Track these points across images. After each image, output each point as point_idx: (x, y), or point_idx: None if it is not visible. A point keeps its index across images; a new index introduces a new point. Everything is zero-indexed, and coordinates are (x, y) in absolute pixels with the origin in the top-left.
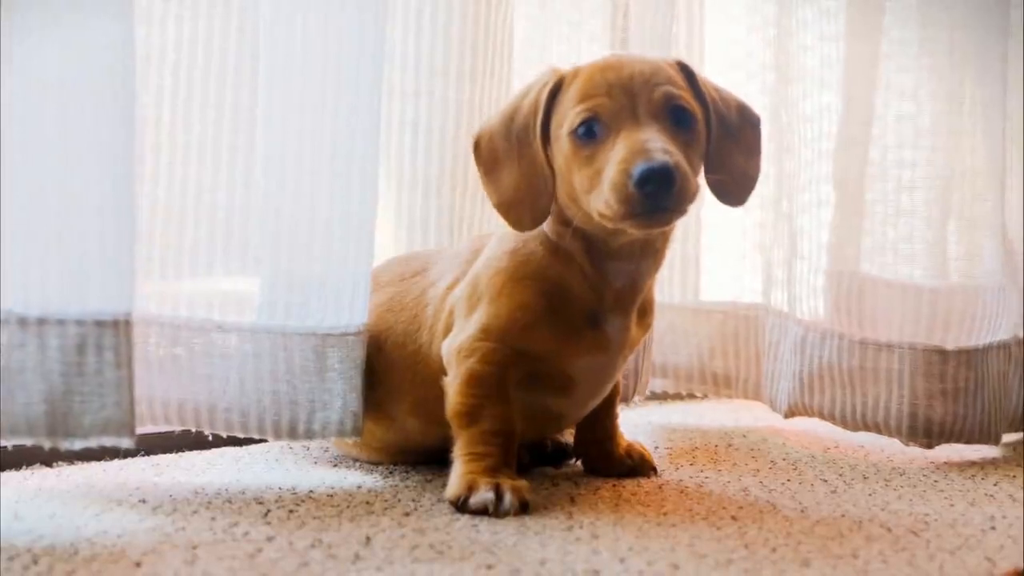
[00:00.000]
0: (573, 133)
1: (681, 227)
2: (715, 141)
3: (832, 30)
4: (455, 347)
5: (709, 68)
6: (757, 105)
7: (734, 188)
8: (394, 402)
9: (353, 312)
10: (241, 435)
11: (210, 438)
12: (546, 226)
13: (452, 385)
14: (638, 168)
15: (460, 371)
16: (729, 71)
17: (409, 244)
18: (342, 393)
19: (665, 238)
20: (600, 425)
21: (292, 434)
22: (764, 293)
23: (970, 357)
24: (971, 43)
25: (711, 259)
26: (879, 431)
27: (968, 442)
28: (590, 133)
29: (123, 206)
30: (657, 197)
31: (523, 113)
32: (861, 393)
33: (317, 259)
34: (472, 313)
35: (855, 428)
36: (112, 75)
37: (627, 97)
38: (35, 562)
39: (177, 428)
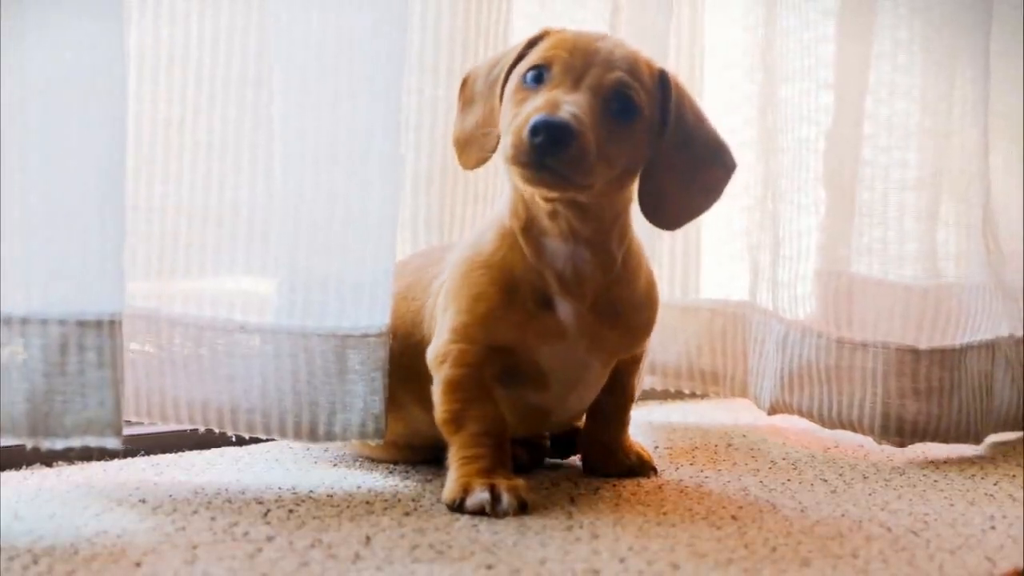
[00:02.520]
0: (522, 76)
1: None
2: (664, 157)
3: (825, 31)
4: (433, 354)
5: (707, 67)
6: (753, 105)
7: (668, 211)
8: (403, 390)
9: (373, 313)
10: (263, 436)
11: (233, 438)
12: (506, 208)
13: (436, 393)
14: (536, 117)
15: (440, 378)
16: (726, 70)
17: (399, 243)
18: (363, 395)
19: (598, 230)
20: (609, 426)
21: (313, 436)
22: (751, 291)
23: (944, 357)
24: (959, 43)
25: (705, 258)
26: (854, 429)
27: (945, 441)
28: (537, 79)
29: (110, 207)
30: (544, 151)
31: (504, 59)
32: (838, 391)
33: (336, 258)
34: (446, 313)
35: (832, 426)
36: (100, 74)
37: (582, 63)
38: (35, 562)
39: (202, 428)
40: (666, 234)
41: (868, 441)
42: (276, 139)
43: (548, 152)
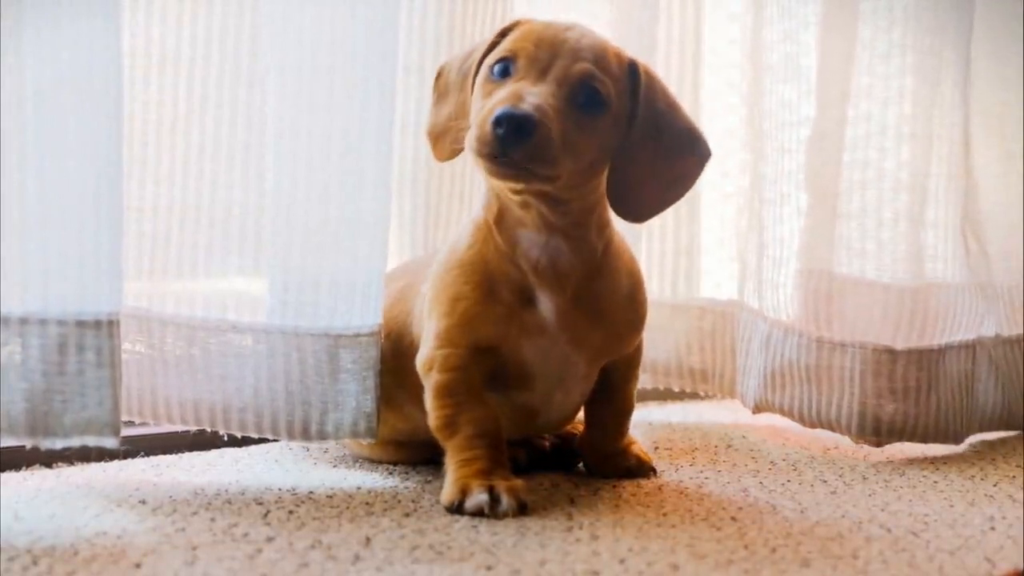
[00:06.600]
0: (490, 67)
1: (659, 224)
2: (634, 147)
3: (810, 34)
4: (421, 361)
5: (707, 66)
6: (748, 105)
7: (635, 202)
8: (399, 390)
9: (366, 312)
10: (256, 435)
11: (225, 437)
12: (482, 203)
13: (427, 400)
14: (499, 109)
15: (429, 384)
16: (725, 69)
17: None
18: (355, 394)
19: (575, 220)
20: (608, 436)
21: (305, 435)
22: (740, 290)
23: (921, 357)
24: (942, 43)
25: (701, 258)
26: (832, 428)
27: (923, 441)
28: (504, 72)
29: (108, 207)
30: (506, 143)
31: (476, 50)
32: (817, 391)
33: (328, 258)
34: (430, 319)
35: (812, 425)
36: (98, 74)
37: (549, 54)
38: (35, 562)
39: (194, 428)
40: (658, 233)
41: None
42: (269, 139)
43: (510, 143)
